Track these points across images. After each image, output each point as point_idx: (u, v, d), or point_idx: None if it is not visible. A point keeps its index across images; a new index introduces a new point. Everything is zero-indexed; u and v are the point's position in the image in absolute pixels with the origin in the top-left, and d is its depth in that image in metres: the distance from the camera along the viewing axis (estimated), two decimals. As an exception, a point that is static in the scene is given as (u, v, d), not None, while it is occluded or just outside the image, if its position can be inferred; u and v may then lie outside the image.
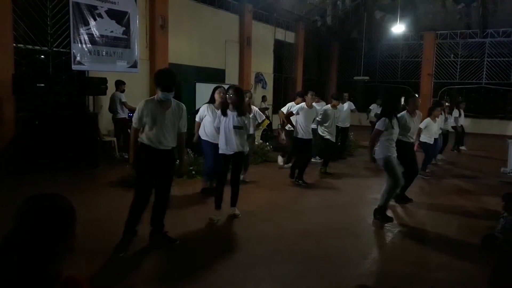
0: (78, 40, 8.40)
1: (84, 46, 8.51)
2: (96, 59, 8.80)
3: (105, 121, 9.49)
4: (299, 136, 7.17)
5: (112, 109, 9.14)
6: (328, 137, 8.02)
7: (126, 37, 9.44)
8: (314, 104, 7.48)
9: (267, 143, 9.67)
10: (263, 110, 12.32)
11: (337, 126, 8.57)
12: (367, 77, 18.56)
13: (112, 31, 9.09)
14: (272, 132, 12.55)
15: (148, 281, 3.49)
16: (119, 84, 9.09)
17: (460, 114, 11.59)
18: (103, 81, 8.64)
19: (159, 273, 3.68)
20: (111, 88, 8.92)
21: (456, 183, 7.87)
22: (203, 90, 8.73)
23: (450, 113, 10.95)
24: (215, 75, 12.90)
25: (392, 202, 6.12)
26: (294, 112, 7.36)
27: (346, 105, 10.30)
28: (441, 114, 8.81)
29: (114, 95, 9.07)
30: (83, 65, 8.57)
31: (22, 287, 1.21)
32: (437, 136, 8.66)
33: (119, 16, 9.23)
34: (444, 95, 19.23)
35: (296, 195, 6.66)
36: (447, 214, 5.81)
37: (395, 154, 5.23)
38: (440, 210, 5.98)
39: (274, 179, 7.61)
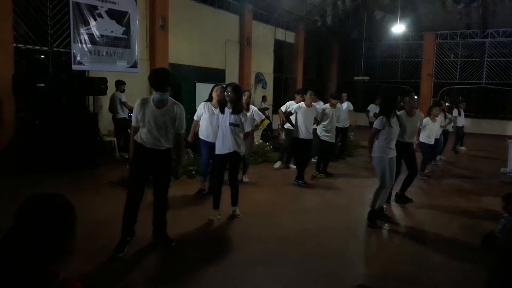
0: (78, 40, 8.40)
1: (84, 46, 8.51)
2: (96, 59, 8.80)
3: (105, 121, 9.49)
4: (299, 136, 7.16)
5: (112, 109, 9.14)
6: (325, 138, 7.83)
7: (126, 37, 9.44)
8: (313, 103, 7.45)
9: (267, 143, 9.68)
10: (263, 110, 12.33)
11: (336, 127, 8.46)
12: (367, 77, 18.56)
13: (112, 31, 9.09)
14: (272, 132, 12.55)
15: (148, 281, 3.49)
16: (119, 84, 9.10)
17: (460, 114, 11.58)
18: (103, 81, 8.64)
19: (159, 273, 3.68)
20: (111, 88, 8.92)
21: (456, 183, 7.87)
22: (203, 90, 8.72)
23: (450, 113, 10.95)
24: (215, 75, 12.90)
25: (392, 202, 6.15)
26: (292, 112, 7.36)
27: (345, 105, 10.28)
28: (440, 113, 8.79)
29: (114, 95, 9.07)
30: (83, 65, 8.57)
31: (19, 285, 1.20)
32: (438, 136, 8.65)
33: (119, 16, 9.23)
34: (444, 95, 19.24)
35: (296, 195, 6.66)
36: (447, 214, 5.81)
37: (391, 156, 5.14)
38: (440, 210, 5.98)
39: (274, 179, 7.61)
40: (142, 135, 3.98)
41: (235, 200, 5.20)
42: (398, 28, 16.60)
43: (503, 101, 18.95)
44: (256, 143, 9.15)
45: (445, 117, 9.55)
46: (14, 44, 7.70)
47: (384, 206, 5.40)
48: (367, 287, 3.50)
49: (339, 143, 9.94)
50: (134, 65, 9.66)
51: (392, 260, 4.16)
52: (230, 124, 4.84)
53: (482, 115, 18.59)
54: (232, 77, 13.80)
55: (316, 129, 7.94)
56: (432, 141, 8.15)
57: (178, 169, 4.28)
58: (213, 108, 5.86)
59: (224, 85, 5.93)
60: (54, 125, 7.47)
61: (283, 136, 8.36)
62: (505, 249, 4.12)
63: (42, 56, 8.60)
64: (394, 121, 5.16)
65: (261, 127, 8.74)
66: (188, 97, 10.28)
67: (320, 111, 7.75)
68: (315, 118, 7.44)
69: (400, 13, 16.16)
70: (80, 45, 8.43)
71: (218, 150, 4.98)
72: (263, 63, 16.15)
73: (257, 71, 15.66)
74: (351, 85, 20.55)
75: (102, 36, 8.85)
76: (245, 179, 7.19)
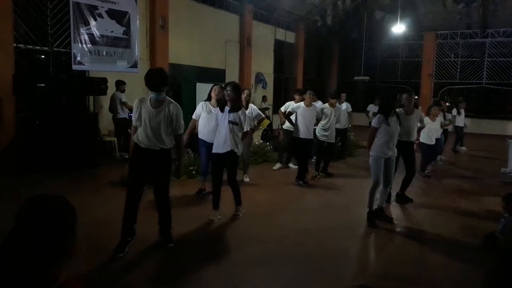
0: (79, 40, 8.41)
1: (84, 46, 8.51)
2: (97, 59, 8.80)
3: (106, 121, 9.50)
4: (299, 135, 7.16)
5: (112, 109, 9.14)
6: (323, 138, 7.79)
7: (126, 37, 9.44)
8: (313, 103, 7.43)
9: (267, 143, 9.67)
10: (263, 110, 12.33)
11: (336, 128, 8.34)
12: (368, 77, 18.56)
13: (112, 31, 9.10)
14: (273, 132, 12.55)
15: (148, 281, 3.49)
16: (119, 84, 9.10)
17: (459, 114, 11.55)
18: (103, 81, 8.65)
19: (159, 273, 3.68)
20: (111, 88, 8.93)
21: (456, 183, 7.86)
22: (204, 90, 8.71)
23: (450, 113, 10.94)
24: (215, 75, 12.91)
25: (393, 202, 6.14)
26: (291, 111, 7.36)
27: (344, 106, 10.22)
28: (440, 113, 8.78)
29: (115, 95, 9.08)
30: (84, 65, 8.57)
31: (19, 287, 1.20)
32: (438, 136, 8.64)
33: (119, 16, 9.23)
34: (445, 95, 19.24)
35: (296, 195, 6.66)
36: (447, 214, 5.80)
37: (389, 155, 5.10)
38: (440, 210, 5.98)
39: (274, 179, 7.61)
40: (139, 135, 3.99)
41: (237, 199, 5.19)
42: (398, 28, 16.59)
43: (503, 101, 18.95)
44: (257, 143, 9.15)
45: (445, 118, 9.53)
46: (14, 44, 7.70)
47: (383, 206, 5.39)
48: (367, 287, 3.49)
49: (339, 143, 9.93)
50: (134, 65, 9.67)
51: (392, 260, 4.16)
52: (229, 122, 4.82)
53: (482, 115, 18.58)
54: (232, 77, 13.80)
55: (315, 129, 7.91)
56: (432, 142, 8.14)
57: (179, 169, 4.27)
58: (211, 107, 5.86)
59: (223, 85, 5.94)
60: (54, 125, 7.47)
61: (281, 136, 8.37)
62: (505, 249, 4.13)
63: (42, 56, 8.61)
64: (393, 120, 5.12)
65: (261, 127, 8.74)
66: (188, 97, 10.29)
67: (318, 111, 7.72)
68: (317, 118, 7.38)
69: (400, 13, 16.16)
70: (80, 45, 8.44)
71: (216, 149, 4.96)
72: (263, 63, 16.15)
73: (257, 71, 15.67)
74: (351, 85, 20.56)
75: (102, 36, 8.86)
76: (246, 179, 7.19)
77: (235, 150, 4.89)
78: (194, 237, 4.53)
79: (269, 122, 12.22)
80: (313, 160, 8.29)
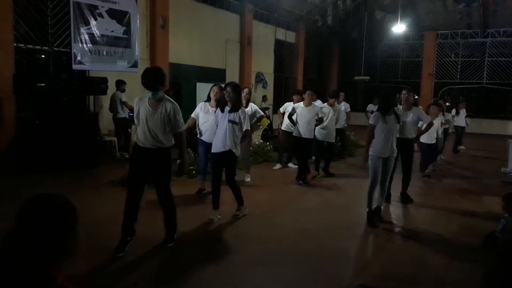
0: (79, 39, 8.40)
1: (84, 45, 8.51)
2: (97, 59, 8.80)
3: (106, 121, 9.50)
4: (298, 135, 7.17)
5: (113, 108, 9.15)
6: (321, 138, 7.77)
7: (126, 36, 9.44)
8: (313, 103, 7.43)
9: (268, 143, 9.68)
10: (263, 110, 12.32)
11: (336, 128, 8.33)
12: (368, 77, 18.56)
13: (112, 31, 9.10)
14: (273, 132, 12.55)
15: (148, 281, 3.49)
16: (120, 84, 9.11)
17: (458, 114, 11.51)
18: (104, 80, 8.65)
19: (159, 273, 3.68)
20: (111, 87, 8.93)
21: (456, 183, 7.86)
22: (204, 90, 8.71)
23: (450, 113, 10.93)
24: (215, 75, 12.91)
25: (393, 202, 6.14)
26: (290, 112, 7.37)
27: (343, 105, 10.20)
28: (440, 113, 8.76)
29: (115, 95, 9.08)
30: (84, 64, 8.57)
31: (18, 286, 1.20)
32: (439, 136, 8.61)
33: (119, 16, 9.23)
34: (445, 95, 19.23)
35: (296, 195, 6.66)
36: (447, 214, 5.80)
37: (387, 155, 5.08)
38: (440, 210, 5.98)
39: (274, 179, 7.61)
40: (138, 134, 4.01)
41: (239, 199, 5.18)
42: (399, 28, 16.59)
43: (503, 101, 18.95)
44: (257, 142, 9.15)
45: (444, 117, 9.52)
46: (15, 44, 7.71)
47: (382, 206, 5.38)
48: (367, 287, 3.49)
49: (339, 143, 9.93)
50: (135, 65, 9.67)
51: (392, 260, 4.16)
52: (229, 121, 4.82)
53: (483, 115, 18.58)
54: (232, 76, 13.81)
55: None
56: (431, 141, 8.08)
57: (183, 166, 4.27)
58: (209, 107, 5.87)
59: (220, 85, 5.96)
60: (54, 124, 7.47)
61: (281, 137, 8.40)
62: (505, 249, 4.13)
63: (43, 56, 8.61)
64: (390, 118, 5.09)
65: (261, 126, 8.73)
66: (188, 96, 10.30)
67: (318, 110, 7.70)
68: (318, 119, 7.36)
69: (400, 12, 16.16)
70: (80, 44, 8.44)
71: (214, 149, 4.95)
72: (264, 62, 16.15)
73: (258, 71, 15.67)
74: (351, 85, 20.57)
75: (102, 35, 8.85)
76: (247, 179, 7.19)
77: (233, 150, 4.87)
78: (194, 237, 4.54)
79: (269, 121, 12.23)
80: (312, 159, 8.28)
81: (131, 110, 9.11)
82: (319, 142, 7.83)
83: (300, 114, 7.16)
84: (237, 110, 4.85)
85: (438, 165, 9.46)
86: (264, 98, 14.79)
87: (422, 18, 18.75)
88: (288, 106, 8.28)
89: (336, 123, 8.18)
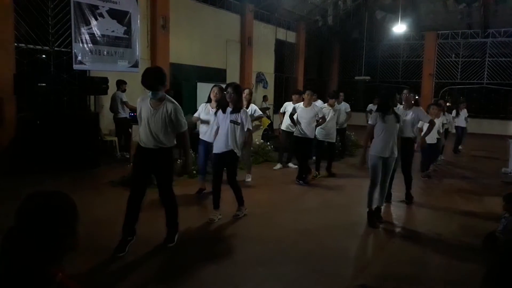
0: (80, 39, 8.41)
1: (85, 45, 8.52)
2: (97, 59, 8.81)
3: (106, 121, 9.51)
4: (298, 134, 7.19)
5: (113, 108, 9.15)
6: (321, 138, 7.76)
7: (127, 36, 9.45)
8: (313, 103, 7.43)
9: (268, 143, 9.68)
10: (264, 110, 12.31)
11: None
12: (368, 77, 18.56)
13: (113, 31, 9.10)
14: (273, 132, 12.55)
15: (148, 281, 3.50)
16: (120, 84, 9.11)
17: (458, 115, 11.47)
18: (104, 80, 8.66)
19: (159, 272, 3.68)
20: (112, 87, 8.94)
21: (456, 183, 7.86)
22: (204, 90, 8.73)
23: (450, 113, 10.92)
24: (216, 75, 12.92)
25: (393, 202, 6.14)
26: (291, 112, 7.38)
27: (343, 105, 10.20)
28: (442, 113, 8.75)
29: (115, 95, 9.09)
30: (85, 64, 8.58)
31: (18, 285, 1.21)
32: (439, 136, 8.60)
33: (120, 16, 9.23)
34: (446, 95, 19.23)
35: (296, 195, 6.67)
36: (447, 214, 5.80)
37: (387, 155, 5.07)
38: (441, 210, 5.98)
39: (275, 179, 7.62)
40: (140, 134, 4.03)
41: (239, 199, 5.19)
42: (399, 28, 16.59)
43: (504, 101, 18.93)
44: (257, 142, 9.16)
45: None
46: (15, 44, 7.71)
47: (382, 206, 5.38)
48: (367, 287, 3.50)
49: (339, 143, 9.92)
50: (135, 65, 9.67)
51: (392, 260, 4.16)
52: (231, 121, 4.84)
53: (483, 115, 18.56)
54: (233, 76, 13.81)
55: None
56: (432, 141, 8.05)
57: (186, 166, 4.34)
58: (209, 108, 5.91)
59: (220, 85, 5.98)
60: (55, 124, 7.48)
61: (281, 136, 8.40)
62: (505, 249, 4.12)
63: (43, 56, 8.62)
64: (390, 117, 5.07)
65: (262, 126, 8.74)
66: (189, 96, 10.30)
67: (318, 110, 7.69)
68: (322, 117, 7.36)
69: (401, 13, 16.16)
70: (81, 44, 8.44)
71: (216, 149, 4.97)
72: (264, 63, 16.15)
73: (258, 71, 15.67)
74: (352, 85, 20.58)
75: (103, 35, 8.86)
76: (248, 179, 7.19)
77: (235, 150, 4.89)
78: (194, 237, 4.54)
79: (269, 121, 12.23)
80: (313, 160, 8.28)
81: (132, 110, 9.14)
82: (320, 142, 7.83)
83: (300, 114, 7.18)
84: (238, 111, 4.87)
85: (439, 165, 9.46)
86: (265, 98, 14.79)
87: (423, 18, 18.74)
88: (287, 106, 8.29)
89: (337, 124, 8.18)
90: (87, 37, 8.55)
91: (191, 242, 4.39)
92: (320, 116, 7.27)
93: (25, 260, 1.22)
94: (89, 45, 8.59)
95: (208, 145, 5.78)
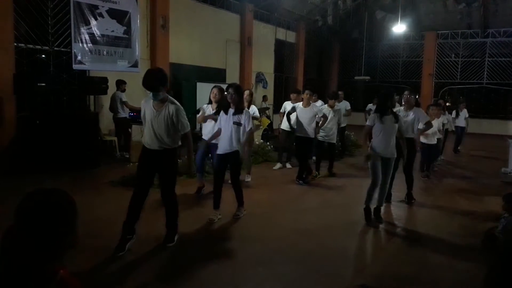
0: (79, 39, 8.40)
1: (85, 45, 8.51)
2: (97, 59, 8.80)
3: (106, 121, 9.50)
4: (297, 134, 7.22)
5: (113, 108, 9.15)
6: (320, 138, 7.74)
7: (127, 36, 9.44)
8: (312, 103, 7.42)
9: (268, 143, 9.68)
10: (263, 110, 12.31)
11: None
12: (368, 77, 18.57)
13: (113, 31, 9.10)
14: (273, 132, 12.55)
15: (148, 280, 3.50)
16: (120, 84, 9.10)
17: (457, 116, 11.46)
18: (104, 80, 8.65)
19: (159, 272, 3.68)
20: (112, 87, 8.93)
21: (456, 183, 7.86)
22: (204, 90, 8.75)
23: (450, 113, 10.93)
24: (216, 75, 12.92)
25: (393, 202, 6.13)
26: (289, 110, 7.38)
27: (343, 104, 10.20)
28: (443, 113, 8.74)
29: (115, 95, 9.08)
30: (84, 64, 8.57)
31: (19, 283, 1.20)
32: (439, 136, 8.60)
33: (120, 16, 9.23)
34: (445, 95, 19.23)
35: (296, 195, 6.66)
36: (447, 214, 5.81)
37: (388, 156, 5.09)
38: (441, 210, 5.98)
39: (275, 179, 7.61)
40: (144, 135, 4.08)
41: (240, 200, 5.21)
42: (399, 28, 16.60)
43: (503, 101, 18.95)
44: (257, 142, 9.16)
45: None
46: (15, 44, 7.70)
47: (382, 207, 5.38)
48: (367, 287, 3.50)
49: (339, 143, 9.92)
50: (135, 65, 9.67)
51: (392, 260, 4.16)
52: (234, 123, 4.87)
53: (483, 115, 18.56)
54: (232, 76, 13.81)
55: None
56: (432, 141, 8.05)
57: (190, 166, 4.40)
58: (210, 109, 5.94)
59: (220, 86, 6.00)
60: (54, 124, 7.47)
61: (280, 136, 8.42)
62: (505, 249, 4.12)
63: (43, 56, 8.61)
64: (388, 118, 5.08)
65: (261, 126, 8.75)
66: (189, 96, 10.30)
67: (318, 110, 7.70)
68: (323, 116, 7.33)
69: (401, 12, 16.17)
70: (81, 44, 8.44)
71: (220, 150, 5.00)
72: (264, 62, 16.15)
73: (258, 71, 15.66)
74: (352, 85, 20.58)
75: (102, 35, 8.85)
76: (247, 179, 7.19)
77: (239, 150, 4.94)
78: (194, 237, 4.54)
79: (269, 121, 12.23)
80: (313, 159, 8.28)
81: (131, 110, 9.15)
82: (320, 143, 7.84)
83: (300, 114, 7.18)
84: (241, 112, 4.90)
85: (438, 165, 9.46)
86: (264, 98, 14.79)
87: (423, 18, 18.75)
88: (287, 105, 8.30)
89: (338, 125, 8.20)
90: (87, 37, 8.54)
91: (191, 242, 4.38)
92: (320, 115, 7.27)
93: (25, 258, 1.21)
94: (88, 45, 8.58)
95: (209, 145, 5.80)
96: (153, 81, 3.88)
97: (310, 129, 7.16)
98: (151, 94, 3.91)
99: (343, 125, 9.94)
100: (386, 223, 5.23)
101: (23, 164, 7.01)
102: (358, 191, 6.90)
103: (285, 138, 8.41)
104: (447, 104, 11.19)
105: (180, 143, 4.17)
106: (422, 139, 7.86)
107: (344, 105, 10.24)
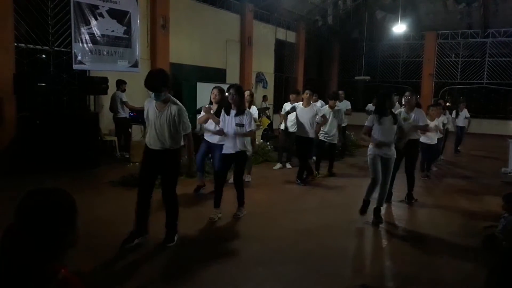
0: (79, 39, 8.41)
1: (85, 45, 8.51)
2: (97, 59, 8.80)
3: (106, 121, 9.50)
4: (297, 133, 7.23)
5: (113, 108, 9.15)
6: (321, 138, 7.77)
7: (127, 36, 9.44)
8: (312, 103, 7.43)
9: (268, 143, 9.68)
10: (264, 110, 12.31)
11: None
12: (368, 77, 18.57)
13: (113, 31, 9.10)
14: (273, 132, 12.55)
15: (148, 280, 3.50)
16: (120, 84, 9.11)
17: (457, 116, 11.45)
18: (104, 80, 8.65)
19: (160, 272, 3.68)
20: (112, 87, 8.93)
21: (456, 183, 7.86)
22: (204, 90, 8.74)
23: (451, 113, 10.92)
24: (216, 75, 12.91)
25: (394, 201, 6.13)
26: (288, 110, 7.39)
27: (343, 104, 10.19)
28: (443, 113, 8.73)
29: (115, 95, 9.08)
30: (84, 64, 8.57)
31: (19, 283, 1.20)
32: (439, 136, 8.59)
33: (120, 16, 9.23)
34: (445, 95, 19.23)
35: (296, 195, 6.66)
36: (447, 214, 5.80)
37: (388, 156, 5.09)
38: (441, 210, 5.98)
39: (275, 179, 7.61)
40: (147, 136, 4.11)
41: (240, 200, 5.21)
42: (399, 28, 16.60)
43: (504, 101, 18.97)
44: (257, 142, 9.15)
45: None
46: (15, 44, 7.71)
47: (382, 207, 5.38)
48: (368, 287, 3.50)
49: (339, 143, 9.90)
50: (135, 65, 9.67)
51: (392, 260, 4.16)
52: (237, 124, 4.90)
53: (483, 115, 18.57)
54: (233, 76, 13.81)
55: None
56: (431, 141, 8.04)
57: (190, 167, 4.42)
58: (211, 110, 5.94)
59: (220, 87, 6.00)
60: (55, 124, 7.47)
61: (280, 137, 8.44)
62: (505, 249, 4.13)
63: (43, 56, 8.62)
64: (387, 119, 5.09)
65: (261, 126, 8.75)
66: (189, 96, 10.28)
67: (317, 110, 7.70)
68: (323, 116, 7.33)
69: (401, 12, 16.17)
70: (81, 44, 8.44)
71: (226, 150, 5.04)
72: (264, 62, 16.15)
73: (258, 71, 15.66)
74: (352, 85, 20.57)
75: (103, 35, 8.86)
76: (248, 179, 7.19)
77: (244, 150, 4.98)
78: (194, 237, 4.54)
79: (269, 121, 12.24)
80: (313, 159, 8.28)
81: (131, 110, 9.15)
82: (321, 142, 7.85)
83: (300, 114, 7.19)
84: (242, 113, 4.93)
85: (438, 165, 9.46)
86: (265, 98, 14.79)
87: (423, 18, 18.75)
88: (286, 107, 8.30)
89: (339, 125, 8.20)
90: (87, 37, 8.55)
91: (191, 242, 4.38)
92: (320, 115, 7.27)
93: (25, 258, 1.21)
94: (89, 45, 8.59)
95: (211, 145, 5.82)
96: (155, 81, 3.89)
97: (309, 129, 7.16)
98: (153, 94, 3.91)
99: (343, 124, 9.95)
100: (386, 223, 5.23)
101: (23, 164, 7.01)
102: (358, 191, 6.89)
103: (285, 138, 8.42)
104: (447, 104, 11.18)
105: (182, 143, 4.18)
106: (423, 139, 7.85)
107: (345, 104, 10.22)
